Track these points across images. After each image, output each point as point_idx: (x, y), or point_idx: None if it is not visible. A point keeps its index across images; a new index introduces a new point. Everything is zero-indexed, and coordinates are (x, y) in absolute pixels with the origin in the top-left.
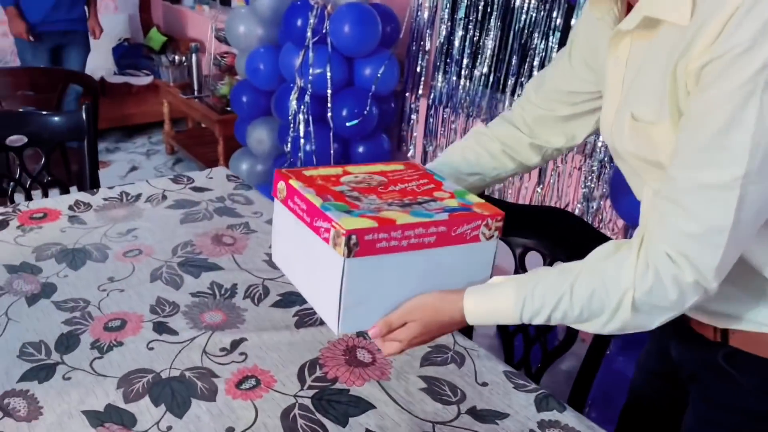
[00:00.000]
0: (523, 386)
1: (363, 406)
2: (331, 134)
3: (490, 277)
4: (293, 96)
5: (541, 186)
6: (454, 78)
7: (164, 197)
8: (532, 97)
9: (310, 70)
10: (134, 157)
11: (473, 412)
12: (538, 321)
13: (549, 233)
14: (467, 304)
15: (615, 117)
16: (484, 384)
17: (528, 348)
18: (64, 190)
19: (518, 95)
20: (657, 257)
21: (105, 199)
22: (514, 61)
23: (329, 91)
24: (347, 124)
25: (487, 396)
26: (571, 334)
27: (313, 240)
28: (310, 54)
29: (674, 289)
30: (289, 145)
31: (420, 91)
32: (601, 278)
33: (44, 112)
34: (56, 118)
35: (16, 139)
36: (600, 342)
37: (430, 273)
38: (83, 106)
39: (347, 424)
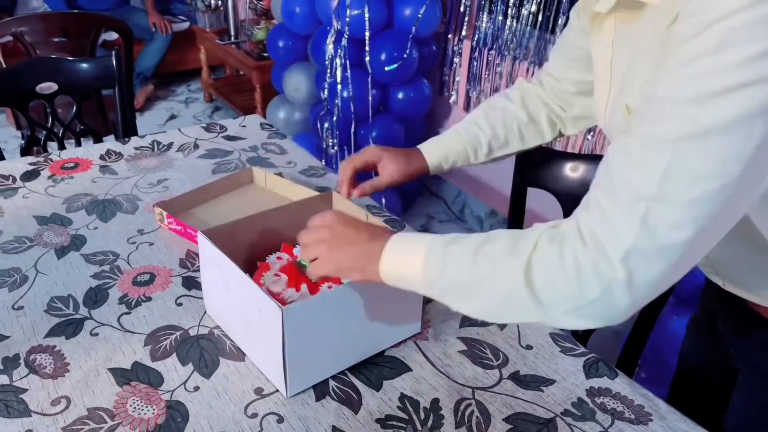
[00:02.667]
0: (571, 350)
1: (399, 368)
2: (369, 79)
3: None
4: (330, 39)
5: (592, 133)
6: (500, 18)
7: (196, 146)
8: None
9: (347, 12)
10: (173, 105)
11: (516, 378)
12: (435, 293)
13: None
14: (387, 248)
15: (608, 106)
16: (529, 347)
17: None
18: (99, 140)
19: None
20: (568, 228)
21: (136, 149)
22: None
23: (367, 34)
24: (386, 68)
25: (531, 360)
26: None
27: (248, 292)
28: None
29: (572, 268)
30: (326, 91)
31: (463, 33)
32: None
33: (71, 59)
34: (84, 65)
35: (45, 87)
36: (655, 302)
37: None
38: (113, 52)
39: (381, 388)
